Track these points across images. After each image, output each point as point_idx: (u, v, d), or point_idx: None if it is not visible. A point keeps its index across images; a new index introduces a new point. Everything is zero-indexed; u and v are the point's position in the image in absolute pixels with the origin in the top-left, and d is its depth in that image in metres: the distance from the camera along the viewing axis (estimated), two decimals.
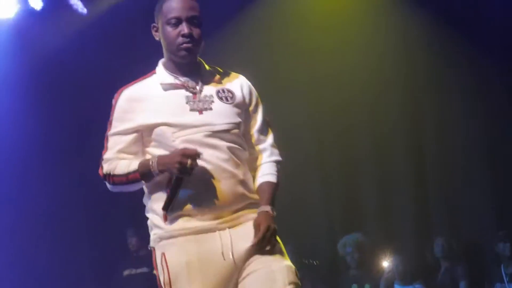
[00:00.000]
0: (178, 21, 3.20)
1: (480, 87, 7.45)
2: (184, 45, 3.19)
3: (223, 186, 3.16)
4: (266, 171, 3.31)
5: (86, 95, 8.10)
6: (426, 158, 7.72)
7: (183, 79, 3.26)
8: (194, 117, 3.19)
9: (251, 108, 3.34)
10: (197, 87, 3.24)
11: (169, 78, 3.26)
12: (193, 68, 3.27)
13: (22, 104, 8.20)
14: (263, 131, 3.35)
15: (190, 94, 3.22)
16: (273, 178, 3.30)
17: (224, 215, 3.17)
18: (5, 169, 8.14)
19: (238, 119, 3.26)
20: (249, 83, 3.37)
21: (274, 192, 3.27)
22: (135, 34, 7.93)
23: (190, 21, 3.20)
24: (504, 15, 7.16)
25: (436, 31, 7.51)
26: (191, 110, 3.19)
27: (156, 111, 3.19)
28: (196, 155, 3.06)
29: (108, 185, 3.28)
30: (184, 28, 3.18)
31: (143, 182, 3.20)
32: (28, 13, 7.82)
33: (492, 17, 7.23)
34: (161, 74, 3.28)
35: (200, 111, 3.20)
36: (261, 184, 3.28)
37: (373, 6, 7.81)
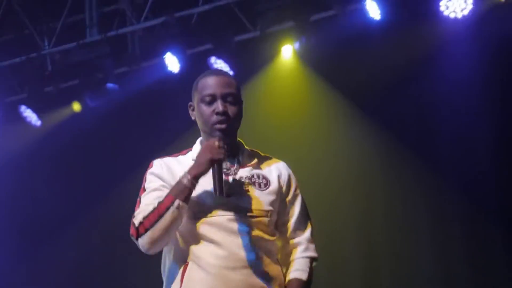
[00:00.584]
0: (212, 99, 3.06)
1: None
2: (218, 125, 3.05)
3: (235, 276, 2.98)
4: (297, 267, 3.12)
5: (37, 208, 8.11)
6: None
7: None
8: (221, 200, 3.02)
9: (288, 199, 3.17)
10: (232, 169, 3.10)
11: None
12: (230, 148, 3.08)
13: None
14: (300, 224, 3.16)
15: (224, 177, 3.06)
16: (303, 275, 3.10)
17: None
18: None
19: (269, 208, 3.08)
20: (290, 172, 3.21)
21: None
22: (88, 146, 8.00)
23: (226, 98, 3.07)
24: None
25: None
26: (223, 192, 3.03)
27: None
28: (219, 141, 2.99)
29: (141, 243, 3.03)
30: (218, 105, 3.04)
31: (177, 210, 2.97)
32: None
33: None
34: (196, 150, 3.11)
35: (228, 194, 3.03)
36: (289, 281, 3.09)
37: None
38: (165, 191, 3.01)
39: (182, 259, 3.04)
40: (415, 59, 7.03)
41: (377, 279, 7.46)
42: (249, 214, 3.03)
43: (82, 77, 7.55)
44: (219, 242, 2.99)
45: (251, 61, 7.49)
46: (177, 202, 2.96)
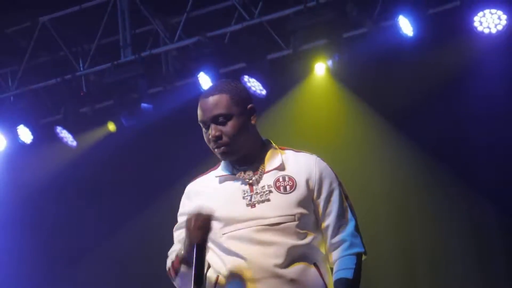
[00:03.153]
0: (205, 125, 3.01)
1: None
2: (217, 150, 3.00)
3: (262, 286, 2.89)
4: (341, 266, 2.93)
5: (74, 227, 8.17)
6: None
7: (240, 169, 3.02)
8: (245, 211, 2.94)
9: (322, 196, 2.99)
10: (254, 178, 2.99)
11: (227, 170, 3.05)
12: (251, 157, 3.02)
13: (11, 233, 8.26)
14: (341, 220, 2.97)
15: (247, 187, 2.98)
16: (348, 274, 2.91)
17: None
18: None
19: (297, 210, 2.93)
20: (322, 166, 3.02)
21: None
22: (124, 166, 8.05)
23: (216, 121, 2.97)
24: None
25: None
26: (247, 205, 2.95)
27: (207, 206, 2.94)
28: (205, 217, 2.86)
29: (176, 282, 3.06)
30: (211, 131, 2.98)
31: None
32: (19, 146, 7.95)
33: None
34: (222, 166, 3.08)
35: (253, 205, 2.94)
36: (334, 283, 2.92)
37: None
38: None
39: (214, 271, 3.01)
40: (449, 75, 6.99)
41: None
42: (273, 222, 2.92)
43: (117, 98, 7.60)
44: (244, 255, 2.91)
45: (284, 79, 7.49)
46: (182, 268, 2.99)
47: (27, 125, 7.82)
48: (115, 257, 8.13)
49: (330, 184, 3.00)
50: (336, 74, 7.41)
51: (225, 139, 2.97)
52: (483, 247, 7.08)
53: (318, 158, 3.06)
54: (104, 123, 8.03)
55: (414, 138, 7.21)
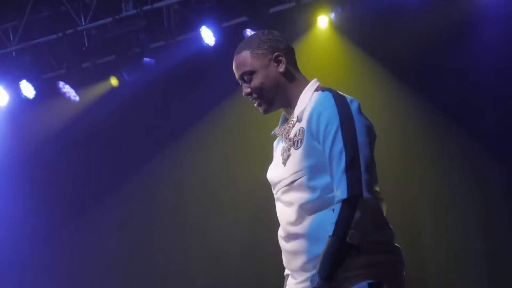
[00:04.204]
0: (240, 83, 3.02)
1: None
2: (256, 106, 3.01)
3: (288, 246, 2.86)
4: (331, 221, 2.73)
5: (77, 181, 8.21)
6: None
7: (280, 126, 3.03)
8: (277, 171, 2.93)
9: (321, 139, 2.81)
10: (287, 129, 2.95)
11: (280, 123, 3.05)
12: (288, 110, 2.98)
13: (17, 187, 8.30)
14: (335, 162, 2.74)
15: (285, 143, 2.94)
16: (330, 230, 2.69)
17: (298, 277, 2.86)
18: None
19: (305, 163, 2.81)
20: (320, 107, 2.83)
21: (328, 251, 2.64)
22: (126, 120, 8.06)
23: (243, 79, 2.96)
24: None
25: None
26: (283, 163, 2.91)
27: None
28: None
29: None
30: (243, 90, 2.99)
31: None
32: (21, 101, 7.96)
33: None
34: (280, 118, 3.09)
35: (284, 164, 2.89)
36: None
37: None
38: None
39: None
40: (453, 25, 6.95)
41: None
42: (289, 181, 2.84)
43: (119, 52, 7.59)
44: (279, 217, 2.92)
45: (286, 32, 7.42)
46: None
47: (29, 80, 7.82)
48: (119, 210, 8.18)
49: (326, 126, 2.79)
50: (338, 26, 7.38)
51: (254, 95, 2.96)
52: (486, 200, 7.08)
53: (323, 96, 2.89)
54: (106, 77, 8.02)
55: (417, 89, 7.18)
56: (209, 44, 7.30)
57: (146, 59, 7.53)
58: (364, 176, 2.71)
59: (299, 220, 2.83)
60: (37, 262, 8.22)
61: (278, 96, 2.95)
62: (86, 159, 8.26)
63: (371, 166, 2.77)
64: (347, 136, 2.77)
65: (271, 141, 3.15)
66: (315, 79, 3.01)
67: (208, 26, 7.22)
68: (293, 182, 2.85)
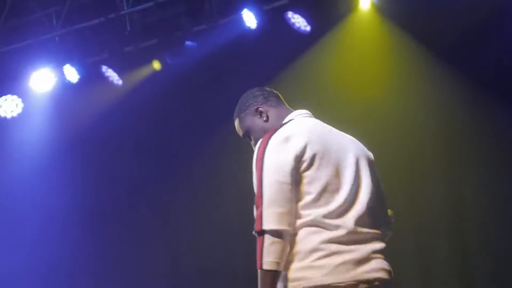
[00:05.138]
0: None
1: None
2: None
3: None
4: None
5: (122, 165, 8.27)
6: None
7: None
8: None
9: None
10: None
11: None
12: None
13: (60, 171, 8.40)
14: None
15: None
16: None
17: None
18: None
19: None
20: (258, 144, 3.20)
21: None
22: (170, 104, 8.08)
23: (245, 138, 3.46)
24: None
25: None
26: None
27: None
28: None
29: None
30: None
31: None
32: (65, 86, 8.03)
33: None
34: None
35: None
36: None
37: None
38: None
39: None
40: (498, 5, 6.84)
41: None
42: None
43: (161, 36, 7.61)
44: None
45: (328, 14, 7.42)
46: None
47: (73, 64, 7.88)
48: (162, 193, 8.24)
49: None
50: (381, 8, 7.32)
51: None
52: None
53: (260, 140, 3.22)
54: (149, 61, 8.05)
55: (464, 73, 7.08)
56: (251, 27, 7.29)
57: (188, 43, 7.54)
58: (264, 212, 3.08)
59: None
60: (89, 247, 8.33)
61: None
62: (129, 143, 8.31)
63: (272, 201, 3.08)
64: (255, 178, 3.13)
65: None
66: (290, 114, 3.37)
67: (250, 9, 7.21)
68: None
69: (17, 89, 8.13)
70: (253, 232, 3.07)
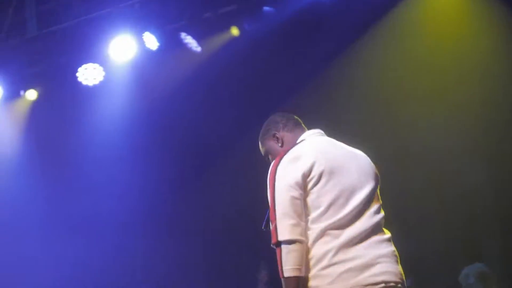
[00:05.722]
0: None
1: None
2: None
3: None
4: None
5: (200, 132, 8.35)
6: None
7: None
8: None
9: None
10: None
11: None
12: None
13: (143, 135, 8.60)
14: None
15: None
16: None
17: None
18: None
19: None
20: (272, 163, 3.58)
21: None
22: (248, 70, 8.10)
23: (266, 159, 3.85)
24: None
25: None
26: None
27: None
28: None
29: None
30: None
31: None
32: (145, 53, 8.10)
33: None
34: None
35: None
36: None
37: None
38: None
39: None
40: None
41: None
42: None
43: (239, 2, 7.60)
44: None
45: None
46: None
47: (152, 31, 7.93)
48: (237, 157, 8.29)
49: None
50: None
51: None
52: None
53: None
54: (227, 27, 8.06)
55: None
56: None
57: (266, 8, 7.52)
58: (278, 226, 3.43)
59: None
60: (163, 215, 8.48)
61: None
62: (210, 107, 8.38)
63: (284, 214, 3.43)
64: (269, 194, 3.50)
65: None
66: (303, 134, 3.75)
67: None
68: None
69: (97, 57, 8.24)
70: (271, 245, 3.38)
